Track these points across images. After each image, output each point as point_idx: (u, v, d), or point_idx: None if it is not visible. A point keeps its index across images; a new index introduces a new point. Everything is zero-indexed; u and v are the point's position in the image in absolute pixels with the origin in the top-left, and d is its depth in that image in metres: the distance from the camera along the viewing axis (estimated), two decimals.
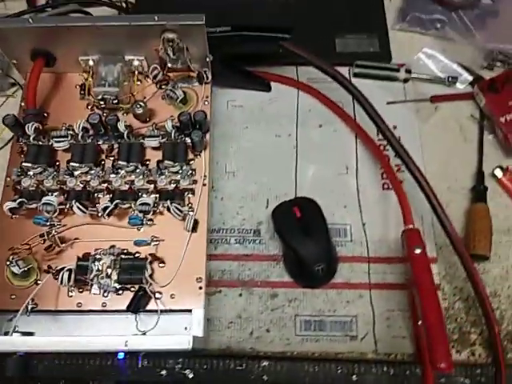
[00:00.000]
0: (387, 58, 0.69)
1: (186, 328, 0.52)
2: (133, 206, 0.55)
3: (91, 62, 0.60)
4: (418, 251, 0.53)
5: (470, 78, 0.68)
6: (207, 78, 0.61)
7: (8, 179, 0.56)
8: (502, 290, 0.58)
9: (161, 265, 0.53)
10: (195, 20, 0.54)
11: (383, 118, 0.59)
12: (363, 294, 0.57)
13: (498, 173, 0.63)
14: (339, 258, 0.59)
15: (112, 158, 0.58)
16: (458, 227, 0.60)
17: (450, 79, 0.68)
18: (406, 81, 0.68)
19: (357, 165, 0.64)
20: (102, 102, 0.59)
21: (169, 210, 0.54)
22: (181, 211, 0.54)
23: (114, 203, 0.54)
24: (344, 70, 0.67)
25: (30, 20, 0.53)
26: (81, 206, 0.53)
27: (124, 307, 0.51)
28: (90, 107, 0.61)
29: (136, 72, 0.61)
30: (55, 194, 0.54)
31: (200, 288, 0.53)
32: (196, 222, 0.55)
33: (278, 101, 0.67)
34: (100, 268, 0.52)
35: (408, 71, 0.68)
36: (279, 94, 0.68)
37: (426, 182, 0.55)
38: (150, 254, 0.53)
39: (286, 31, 0.59)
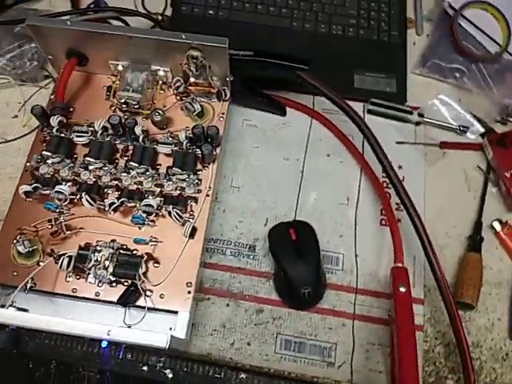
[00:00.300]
0: (402, 100, 0.70)
1: (170, 328, 0.54)
2: (138, 205, 0.57)
3: (120, 67, 0.63)
4: (402, 290, 0.55)
5: (482, 130, 0.69)
6: (226, 95, 0.63)
7: (28, 164, 0.59)
8: (484, 341, 0.58)
9: (155, 265, 0.56)
10: (219, 42, 0.56)
11: (390, 156, 0.60)
12: (346, 323, 0.58)
13: (497, 226, 0.63)
14: (328, 284, 0.60)
15: (126, 158, 0.60)
16: (450, 273, 0.61)
17: (461, 128, 0.69)
18: (417, 124, 0.69)
19: (358, 197, 0.65)
20: (124, 106, 0.62)
21: (170, 214, 0.56)
22: (181, 217, 0.56)
23: (121, 200, 0.56)
24: (359, 106, 0.69)
25: (68, 22, 0.57)
26: (89, 199, 0.56)
27: (115, 299, 0.53)
28: (112, 108, 0.64)
29: (160, 82, 0.64)
30: (68, 184, 0.57)
31: (189, 292, 0.55)
32: (194, 230, 0.57)
33: (291, 126, 0.69)
34: (98, 259, 0.55)
35: (421, 115, 0.69)
36: (293, 120, 0.70)
37: (422, 226, 0.56)
38: (146, 253, 0.56)
39: (305, 62, 0.61)
